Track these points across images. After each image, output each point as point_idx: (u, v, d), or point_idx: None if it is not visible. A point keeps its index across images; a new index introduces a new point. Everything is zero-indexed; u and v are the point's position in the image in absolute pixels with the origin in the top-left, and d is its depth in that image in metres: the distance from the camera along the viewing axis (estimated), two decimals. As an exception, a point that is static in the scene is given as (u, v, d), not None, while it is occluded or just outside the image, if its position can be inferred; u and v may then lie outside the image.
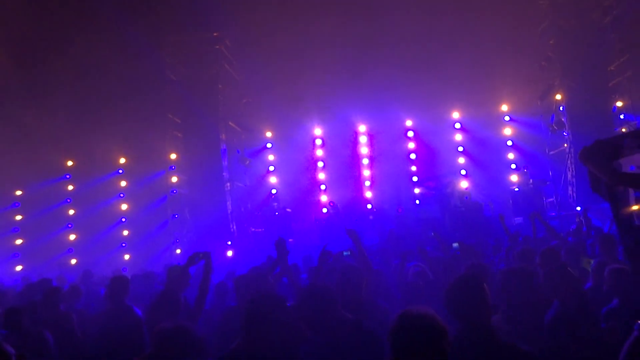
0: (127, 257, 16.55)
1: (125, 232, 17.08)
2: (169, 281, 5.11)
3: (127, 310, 4.98)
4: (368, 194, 16.48)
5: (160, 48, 14.75)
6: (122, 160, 17.46)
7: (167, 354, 3.02)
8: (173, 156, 15.92)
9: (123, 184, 17.46)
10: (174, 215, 15.79)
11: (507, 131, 16.09)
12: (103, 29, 13.30)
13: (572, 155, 13.72)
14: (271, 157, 17.13)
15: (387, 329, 3.30)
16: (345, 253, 6.85)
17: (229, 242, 14.78)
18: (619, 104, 13.84)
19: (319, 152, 17.01)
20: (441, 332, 1.86)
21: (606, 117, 13.67)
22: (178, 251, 15.29)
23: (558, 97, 14.71)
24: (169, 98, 14.94)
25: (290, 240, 14.76)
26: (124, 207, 17.27)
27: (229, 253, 14.01)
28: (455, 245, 6.50)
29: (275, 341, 2.92)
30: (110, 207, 17.16)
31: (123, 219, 17.22)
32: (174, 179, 15.89)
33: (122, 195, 17.41)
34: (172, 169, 16.00)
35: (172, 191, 15.87)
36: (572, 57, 13.52)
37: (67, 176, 17.67)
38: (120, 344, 4.51)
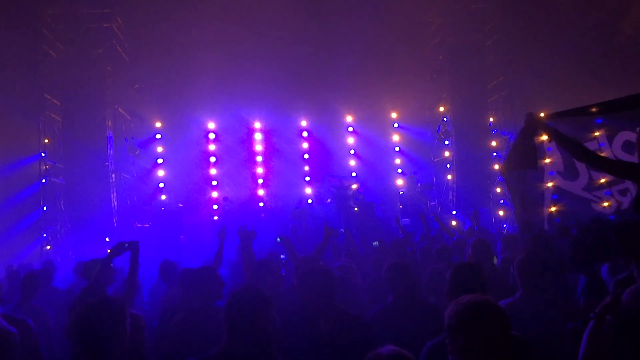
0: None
1: (-19, 226, 14.87)
2: (91, 277, 4.53)
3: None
4: (260, 192, 16.33)
5: (37, 20, 13.12)
6: (-19, 143, 15.20)
7: None
8: (46, 141, 14.22)
9: (-20, 170, 15.19)
10: (43, 207, 14.12)
11: (396, 137, 17.01)
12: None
13: (454, 162, 14.97)
14: (160, 149, 16.16)
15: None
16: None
17: (108, 239, 13.70)
18: (493, 119, 15.41)
19: (212, 147, 16.46)
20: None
21: (483, 130, 15.14)
22: (48, 247, 13.75)
23: (442, 109, 16.01)
24: (48, 77, 13.32)
25: (181, 237, 14.09)
26: (-20, 196, 15.03)
27: None
28: (375, 243, 6.70)
29: (260, 344, 2.76)
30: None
31: (-23, 211, 14.99)
32: (46, 167, 14.19)
33: (-23, 182, 15.14)
34: (43, 156, 14.28)
35: (43, 180, 14.18)
36: (458, 73, 14.78)
37: None
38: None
